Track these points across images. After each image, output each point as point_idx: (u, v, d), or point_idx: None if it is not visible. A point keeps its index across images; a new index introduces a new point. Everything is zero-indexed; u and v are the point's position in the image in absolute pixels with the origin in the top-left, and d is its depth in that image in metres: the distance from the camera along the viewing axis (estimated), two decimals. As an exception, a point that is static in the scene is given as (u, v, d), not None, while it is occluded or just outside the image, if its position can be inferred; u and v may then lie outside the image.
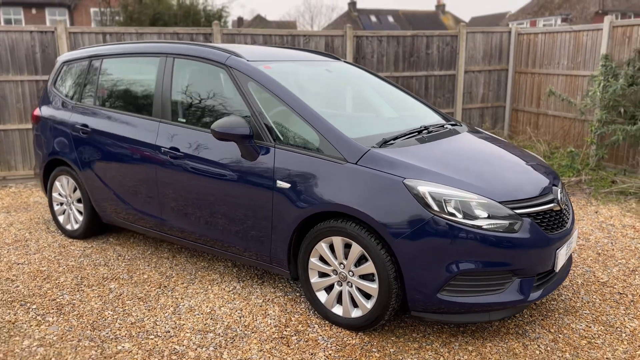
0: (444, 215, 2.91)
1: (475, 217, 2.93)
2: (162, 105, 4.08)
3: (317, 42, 8.09)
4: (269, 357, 3.01)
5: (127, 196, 4.32)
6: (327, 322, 3.38)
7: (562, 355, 3.01)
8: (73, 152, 4.63)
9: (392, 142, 3.37)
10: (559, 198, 3.34)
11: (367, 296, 3.19)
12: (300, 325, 3.35)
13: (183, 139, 3.88)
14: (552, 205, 3.22)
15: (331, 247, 3.28)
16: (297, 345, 3.13)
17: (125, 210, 4.38)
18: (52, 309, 3.58)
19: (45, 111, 4.99)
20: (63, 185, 4.89)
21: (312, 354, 3.03)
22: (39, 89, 7.11)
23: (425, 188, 2.97)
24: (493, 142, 3.93)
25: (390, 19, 53.30)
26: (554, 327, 3.32)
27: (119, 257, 4.48)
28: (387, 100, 4.43)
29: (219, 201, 3.70)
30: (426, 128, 3.77)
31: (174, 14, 22.05)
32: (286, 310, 3.55)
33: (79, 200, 4.80)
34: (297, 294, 3.77)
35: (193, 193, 3.84)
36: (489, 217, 2.95)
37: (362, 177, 3.11)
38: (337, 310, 3.32)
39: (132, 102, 4.35)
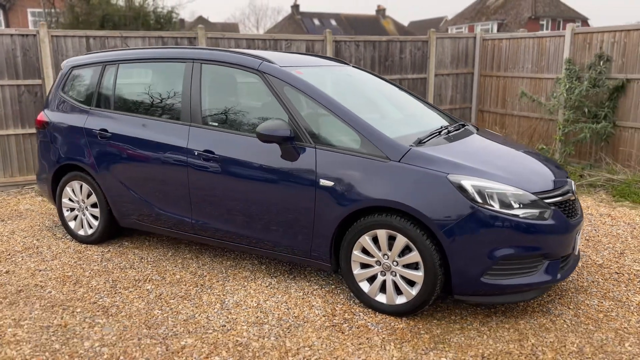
0: (486, 207, 3.23)
1: (512, 207, 3.27)
2: (191, 110, 4.19)
3: (298, 46, 8.31)
4: (329, 342, 3.22)
5: (152, 198, 4.39)
6: (369, 310, 3.62)
7: (587, 327, 3.40)
8: (89, 157, 4.64)
9: (426, 141, 3.67)
10: (573, 189, 3.75)
11: (411, 283, 3.46)
12: (346, 314, 3.58)
13: (217, 142, 4.02)
14: (569, 195, 3.61)
15: (374, 240, 3.53)
16: (350, 331, 3.36)
17: (149, 212, 4.45)
18: (98, 311, 3.63)
19: (53, 116, 4.95)
20: (75, 190, 4.87)
21: (367, 338, 3.27)
22: (20, 94, 6.94)
23: (467, 182, 3.28)
24: (504, 140, 4.31)
25: (333, 22, 54.03)
26: (572, 304, 3.71)
27: (142, 260, 4.53)
28: (401, 102, 4.72)
29: (257, 200, 3.87)
30: (446, 128, 4.09)
31: (123, 16, 21.57)
32: (327, 301, 3.76)
33: (93, 205, 4.80)
34: (332, 286, 3.99)
35: (229, 194, 3.99)
36: (523, 207, 3.29)
37: (406, 173, 3.39)
38: (381, 298, 3.57)
39: (155, 106, 4.43)
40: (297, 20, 51.92)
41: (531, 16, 38.61)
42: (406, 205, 3.32)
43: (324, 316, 3.55)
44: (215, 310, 3.64)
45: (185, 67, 4.28)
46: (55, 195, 5.04)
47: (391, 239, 3.47)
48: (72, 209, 4.98)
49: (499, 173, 3.42)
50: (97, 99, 4.74)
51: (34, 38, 6.92)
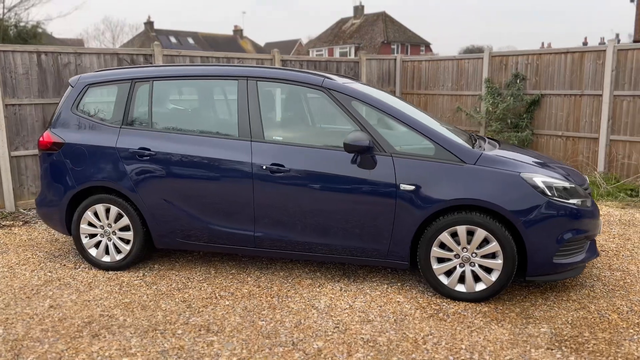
0: (554, 198, 3.86)
1: (569, 198, 3.95)
2: (251, 125, 4.26)
3: (250, 63, 8.46)
4: (442, 329, 3.57)
5: (207, 215, 4.35)
6: (449, 299, 4.03)
7: (620, 292, 4.18)
8: (124, 177, 4.43)
9: (481, 146, 4.22)
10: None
11: (488, 271, 3.96)
12: (432, 305, 3.95)
13: (286, 155, 4.16)
14: (589, 188, 4.41)
15: (452, 235, 3.97)
16: (450, 318, 3.74)
17: (201, 230, 4.39)
18: (200, 330, 3.56)
19: (68, 136, 4.61)
20: (100, 214, 4.58)
21: (470, 322, 3.69)
22: (-40, 115, 6.17)
23: (538, 178, 3.89)
24: (519, 147, 5.04)
25: (191, 40, 53.35)
26: (592, 277, 4.50)
27: (191, 280, 4.43)
28: (420, 113, 5.23)
29: (335, 209, 4.09)
30: (471, 136, 4.70)
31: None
32: (406, 296, 4.10)
33: (124, 228, 4.57)
34: (398, 284, 4.33)
35: (303, 204, 4.14)
36: (575, 197, 3.99)
37: (484, 174, 3.90)
38: (460, 287, 4.01)
39: (205, 123, 4.41)
40: (152, 37, 50.30)
41: (384, 41, 42.06)
42: (489, 202, 3.83)
43: (416, 309, 3.89)
44: (315, 315, 3.78)
45: (239, 85, 4.35)
46: (71, 222, 4.67)
47: (469, 234, 3.94)
48: (91, 235, 4.66)
49: (552, 171, 4.09)
50: (129, 117, 4.55)
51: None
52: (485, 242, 3.92)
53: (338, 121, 4.18)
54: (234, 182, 4.25)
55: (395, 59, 10.65)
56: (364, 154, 4.00)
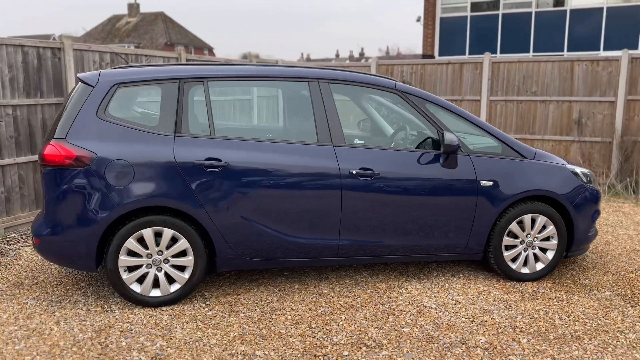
0: (588, 185, 4.62)
1: (592, 183, 4.76)
2: (330, 129, 4.06)
3: (157, 61, 7.67)
4: (546, 305, 4.00)
5: (288, 228, 4.00)
6: (515, 281, 4.48)
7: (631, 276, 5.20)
8: (188, 194, 3.78)
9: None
10: None
11: (544, 252, 4.53)
12: (511, 288, 4.35)
13: (372, 160, 4.09)
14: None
15: (518, 224, 4.44)
16: (538, 296, 4.20)
17: (278, 245, 4.01)
18: (361, 347, 3.33)
19: (100, 148, 3.70)
20: (148, 240, 3.80)
21: (555, 296, 4.19)
22: None
23: (578, 169, 4.61)
24: None
25: None
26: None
27: (263, 302, 4.02)
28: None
29: (420, 210, 4.18)
30: None
31: None
32: (484, 284, 4.41)
33: (179, 254, 3.88)
34: (462, 274, 4.61)
35: (390, 207, 4.13)
36: (593, 183, 4.82)
37: (542, 168, 4.45)
38: (525, 270, 4.49)
39: (276, 128, 4.01)
40: None
41: (167, 42, 40.60)
42: (551, 192, 4.40)
43: (505, 293, 4.24)
44: (439, 313, 3.85)
45: (310, 87, 4.09)
46: (106, 255, 3.77)
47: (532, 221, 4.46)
48: (131, 268, 3.83)
49: (572, 163, 4.87)
50: (183, 123, 3.87)
51: None
52: (543, 227, 4.49)
53: (416, 122, 4.29)
54: (321, 189, 4.00)
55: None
56: (453, 153, 4.19)
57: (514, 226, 4.40)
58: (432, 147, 4.28)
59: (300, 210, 4.00)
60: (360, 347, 3.35)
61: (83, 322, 3.64)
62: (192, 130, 3.91)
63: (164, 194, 3.76)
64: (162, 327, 3.59)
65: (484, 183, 4.27)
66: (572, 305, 4.05)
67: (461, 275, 4.62)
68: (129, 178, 3.72)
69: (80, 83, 3.91)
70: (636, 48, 17.47)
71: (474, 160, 4.30)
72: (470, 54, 20.40)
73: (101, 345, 3.34)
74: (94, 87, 3.82)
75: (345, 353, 3.28)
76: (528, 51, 19.58)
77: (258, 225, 3.94)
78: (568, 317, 3.85)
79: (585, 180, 4.61)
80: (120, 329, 3.55)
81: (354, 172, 4.03)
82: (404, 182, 4.14)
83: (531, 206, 4.39)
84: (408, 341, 3.44)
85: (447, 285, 4.39)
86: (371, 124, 4.82)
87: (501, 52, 19.98)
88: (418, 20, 21.61)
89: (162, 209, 3.83)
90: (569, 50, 18.96)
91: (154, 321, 3.67)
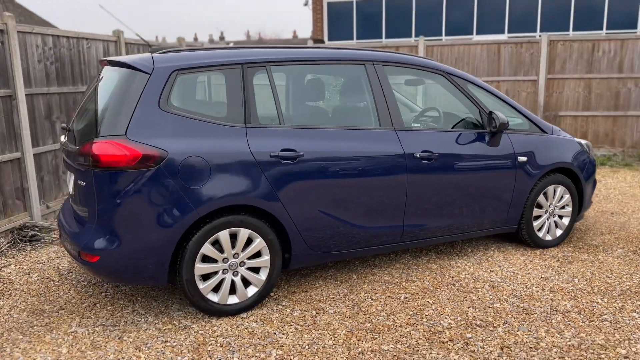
0: (590, 156, 5.09)
1: (589, 153, 5.25)
2: (390, 113, 3.99)
3: (97, 46, 6.86)
4: (583, 267, 4.37)
5: (360, 218, 3.87)
6: (541, 250, 4.81)
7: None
8: (266, 189, 3.48)
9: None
10: None
11: (560, 218, 4.92)
12: (543, 255, 4.67)
13: (431, 142, 4.10)
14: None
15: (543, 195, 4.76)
16: (570, 261, 4.56)
17: (350, 236, 3.88)
18: (473, 327, 3.37)
19: (170, 144, 3.24)
20: (224, 243, 3.44)
21: (584, 259, 4.58)
22: None
23: (583, 141, 5.04)
24: None
25: None
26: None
27: (337, 296, 3.88)
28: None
29: (475, 188, 4.30)
30: None
31: None
32: (524, 254, 4.67)
33: (254, 256, 3.57)
34: (495, 246, 4.83)
35: (448, 189, 4.18)
36: (590, 152, 5.32)
37: (559, 142, 4.81)
38: (547, 237, 4.85)
39: (339, 113, 3.84)
40: None
41: (12, 26, 36.01)
42: (570, 164, 4.78)
43: (543, 260, 4.54)
44: (512, 286, 4.01)
45: (367, 70, 3.96)
46: (180, 264, 3.34)
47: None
48: (205, 277, 3.45)
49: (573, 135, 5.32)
50: (251, 112, 3.52)
51: None
52: (561, 197, 4.87)
53: (460, 103, 4.37)
54: (390, 176, 3.92)
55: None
56: (501, 132, 4.34)
57: (541, 198, 4.71)
58: (473, 127, 4.41)
59: (371, 198, 3.89)
60: (475, 327, 3.38)
61: (168, 344, 3.20)
62: (262, 120, 3.59)
63: (243, 192, 3.42)
64: (261, 336, 3.29)
65: (520, 159, 4.50)
66: (605, 264, 4.46)
67: (493, 248, 4.84)
68: (205, 176, 3.32)
69: (121, 69, 3.38)
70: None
71: (511, 137, 4.50)
72: (357, 39, 21.04)
73: (214, 365, 2.97)
74: (150, 74, 3.32)
75: (469, 335, 3.29)
76: (410, 36, 20.71)
77: (332, 217, 3.76)
78: (612, 274, 4.24)
79: (587, 151, 5.07)
80: (219, 344, 3.19)
81: (417, 156, 4.01)
82: (459, 162, 4.21)
83: (554, 178, 4.73)
84: (510, 316, 3.55)
85: (491, 259, 4.57)
86: (428, 105, 4.79)
87: (386, 37, 20.90)
88: (305, 4, 21.71)
89: (236, 207, 3.48)
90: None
91: (246, 331, 3.35)
